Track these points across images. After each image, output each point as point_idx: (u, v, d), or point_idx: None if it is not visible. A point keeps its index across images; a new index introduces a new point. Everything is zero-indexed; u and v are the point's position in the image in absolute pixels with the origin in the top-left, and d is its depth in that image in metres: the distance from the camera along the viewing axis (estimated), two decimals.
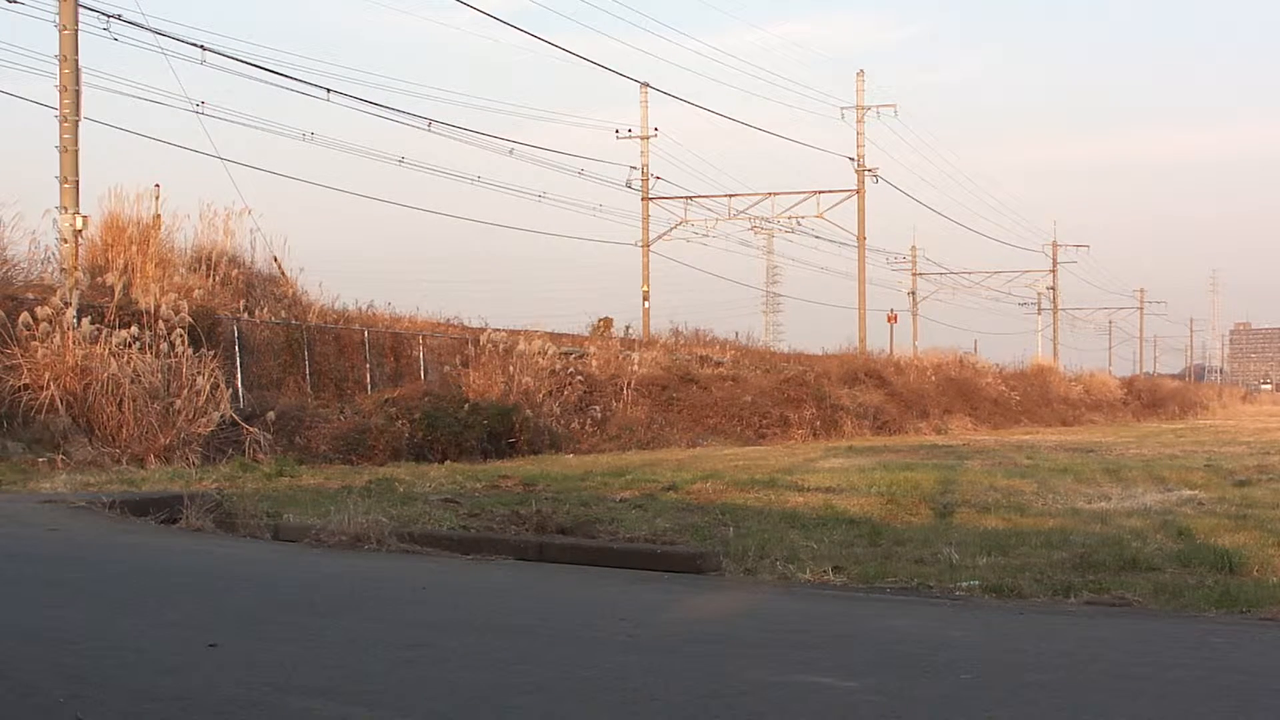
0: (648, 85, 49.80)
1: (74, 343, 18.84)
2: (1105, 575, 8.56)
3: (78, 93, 22.87)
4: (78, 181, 22.76)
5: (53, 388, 18.39)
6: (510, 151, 42.47)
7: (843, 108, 55.04)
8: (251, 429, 19.99)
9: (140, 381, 18.90)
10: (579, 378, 30.16)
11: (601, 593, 8.31)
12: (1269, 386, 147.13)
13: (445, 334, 30.37)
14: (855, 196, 52.57)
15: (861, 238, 53.42)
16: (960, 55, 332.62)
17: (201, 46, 27.51)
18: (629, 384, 31.41)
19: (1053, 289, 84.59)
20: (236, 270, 25.51)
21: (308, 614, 7.21)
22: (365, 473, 17.61)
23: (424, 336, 29.24)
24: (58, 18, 23.02)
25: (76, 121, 22.83)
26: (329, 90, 31.36)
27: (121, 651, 6.05)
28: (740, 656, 6.07)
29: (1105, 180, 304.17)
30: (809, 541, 10.35)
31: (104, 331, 19.09)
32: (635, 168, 49.90)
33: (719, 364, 38.18)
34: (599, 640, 6.55)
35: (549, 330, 33.41)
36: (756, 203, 52.18)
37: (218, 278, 24.70)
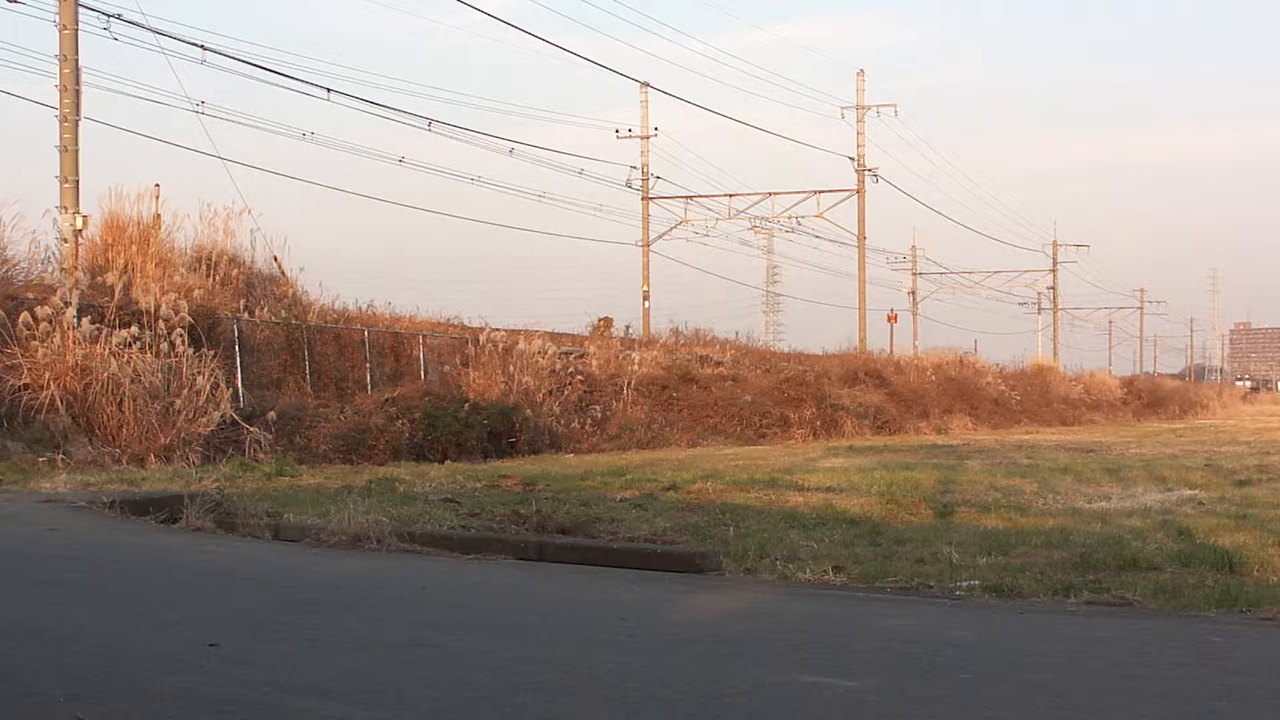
0: (648, 85, 49.85)
1: (74, 342, 18.83)
2: (1105, 575, 8.56)
3: (78, 93, 22.89)
4: (78, 181, 22.78)
5: (53, 387, 18.38)
6: (510, 151, 42.51)
7: (843, 108, 55.14)
8: (251, 429, 19.99)
9: (140, 381, 18.89)
10: (579, 377, 30.16)
11: (601, 593, 8.30)
12: (1247, 383, 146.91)
13: (445, 334, 30.34)
14: (855, 196, 52.60)
15: (861, 237, 53.45)
16: (960, 55, 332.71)
17: (202, 46, 27.56)
18: (629, 384, 31.41)
19: (1053, 289, 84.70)
20: (236, 270, 25.49)
21: (308, 614, 7.20)
22: (365, 472, 17.60)
23: (424, 336, 29.21)
24: (58, 18, 23.04)
25: (76, 121, 22.85)
26: (329, 90, 31.42)
27: (121, 651, 6.04)
28: (740, 656, 6.07)
29: (1105, 180, 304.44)
30: (809, 541, 10.35)
31: (104, 331, 19.08)
32: (635, 168, 49.97)
33: (719, 364, 38.17)
34: (599, 640, 6.55)
35: (549, 330, 33.39)
36: (756, 203, 52.25)
37: (218, 277, 24.69)
